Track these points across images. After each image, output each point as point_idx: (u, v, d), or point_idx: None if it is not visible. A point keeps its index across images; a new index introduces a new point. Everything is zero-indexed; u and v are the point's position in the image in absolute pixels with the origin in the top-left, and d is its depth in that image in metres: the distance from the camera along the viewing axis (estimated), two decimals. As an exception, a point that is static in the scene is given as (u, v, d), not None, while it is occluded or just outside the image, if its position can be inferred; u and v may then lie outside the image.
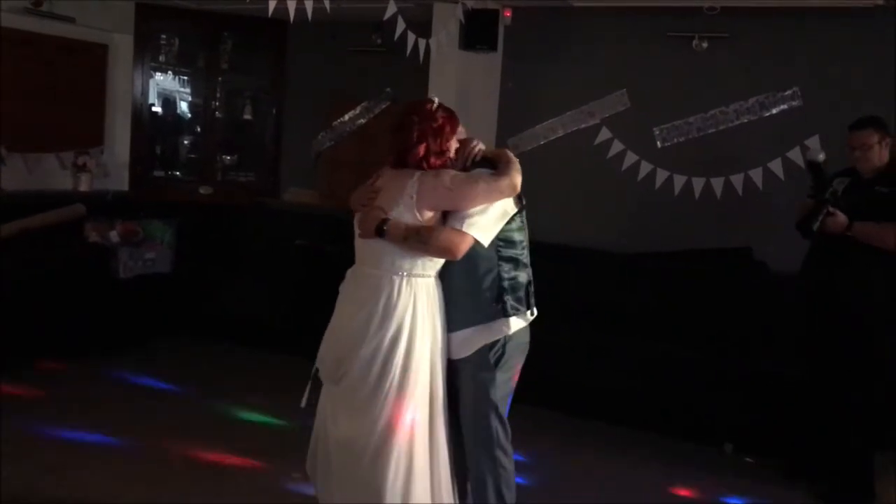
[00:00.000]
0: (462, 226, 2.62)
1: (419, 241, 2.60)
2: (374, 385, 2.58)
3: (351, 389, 2.64)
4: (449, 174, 2.65)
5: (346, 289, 2.77)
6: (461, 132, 2.82)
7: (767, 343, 4.57)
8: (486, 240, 2.66)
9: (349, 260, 2.81)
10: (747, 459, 4.33)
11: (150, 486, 3.55)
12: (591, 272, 5.13)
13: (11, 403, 4.24)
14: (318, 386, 2.81)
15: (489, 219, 2.66)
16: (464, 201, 2.63)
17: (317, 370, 2.80)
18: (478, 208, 2.64)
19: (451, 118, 2.75)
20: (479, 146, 2.83)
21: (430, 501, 2.65)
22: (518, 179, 2.69)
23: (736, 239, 5.04)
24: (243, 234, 6.35)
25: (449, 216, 2.67)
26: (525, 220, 2.87)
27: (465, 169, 2.76)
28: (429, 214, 2.63)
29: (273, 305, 5.71)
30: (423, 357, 2.63)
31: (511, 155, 2.78)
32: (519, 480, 3.00)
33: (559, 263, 4.76)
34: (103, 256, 5.39)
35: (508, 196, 2.69)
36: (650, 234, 5.28)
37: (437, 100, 2.76)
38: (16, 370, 4.58)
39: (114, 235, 5.49)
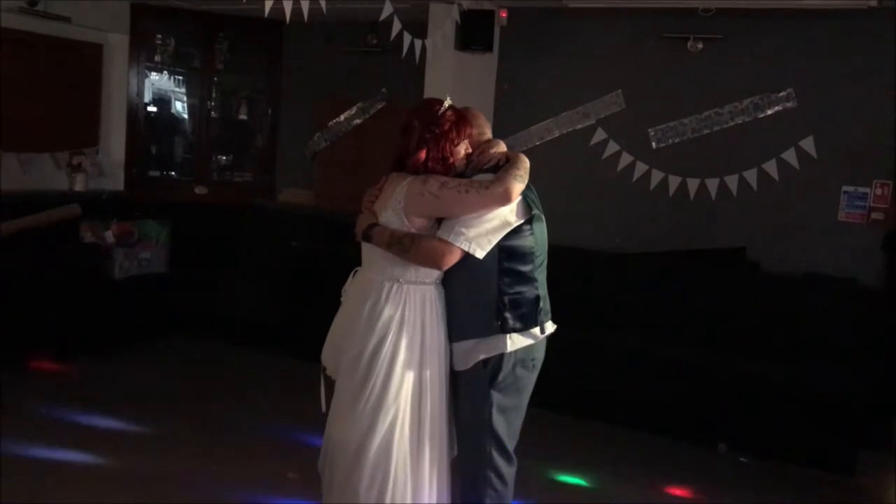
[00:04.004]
0: (451, 235, 2.48)
1: (401, 248, 2.50)
2: (357, 390, 2.54)
3: (339, 390, 2.63)
4: (438, 180, 2.51)
5: (347, 289, 2.74)
6: (483, 133, 2.71)
7: (761, 343, 4.58)
8: (478, 252, 2.49)
9: (344, 261, 2.80)
10: (741, 459, 4.34)
11: (146, 487, 3.55)
12: (586, 272, 5.14)
13: (6, 405, 4.24)
14: (331, 385, 2.73)
15: (484, 230, 2.49)
16: (451, 210, 2.50)
17: (324, 368, 2.76)
18: (473, 217, 2.48)
19: (460, 123, 2.61)
20: (496, 152, 2.65)
21: None
22: (515, 187, 2.48)
23: (730, 239, 5.06)
24: (239, 234, 6.35)
25: (442, 224, 2.54)
26: (542, 231, 2.70)
27: (470, 174, 2.61)
28: (419, 221, 2.54)
29: (268, 305, 5.71)
30: (409, 366, 2.54)
31: (522, 162, 2.58)
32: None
33: (554, 263, 4.76)
34: (99, 256, 5.39)
35: (502, 205, 2.49)
36: (645, 234, 5.30)
37: (447, 102, 2.63)
38: (9, 371, 4.57)
39: (109, 235, 5.48)
